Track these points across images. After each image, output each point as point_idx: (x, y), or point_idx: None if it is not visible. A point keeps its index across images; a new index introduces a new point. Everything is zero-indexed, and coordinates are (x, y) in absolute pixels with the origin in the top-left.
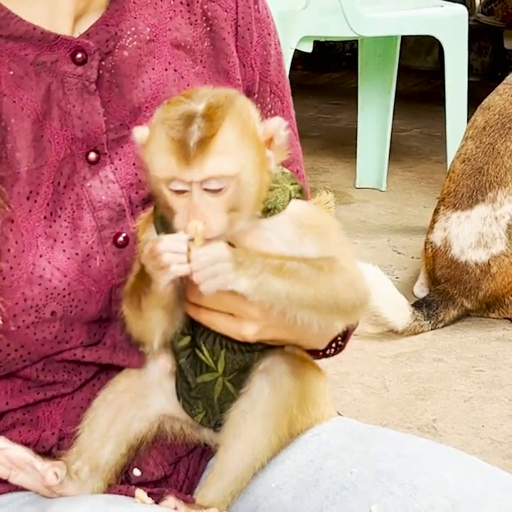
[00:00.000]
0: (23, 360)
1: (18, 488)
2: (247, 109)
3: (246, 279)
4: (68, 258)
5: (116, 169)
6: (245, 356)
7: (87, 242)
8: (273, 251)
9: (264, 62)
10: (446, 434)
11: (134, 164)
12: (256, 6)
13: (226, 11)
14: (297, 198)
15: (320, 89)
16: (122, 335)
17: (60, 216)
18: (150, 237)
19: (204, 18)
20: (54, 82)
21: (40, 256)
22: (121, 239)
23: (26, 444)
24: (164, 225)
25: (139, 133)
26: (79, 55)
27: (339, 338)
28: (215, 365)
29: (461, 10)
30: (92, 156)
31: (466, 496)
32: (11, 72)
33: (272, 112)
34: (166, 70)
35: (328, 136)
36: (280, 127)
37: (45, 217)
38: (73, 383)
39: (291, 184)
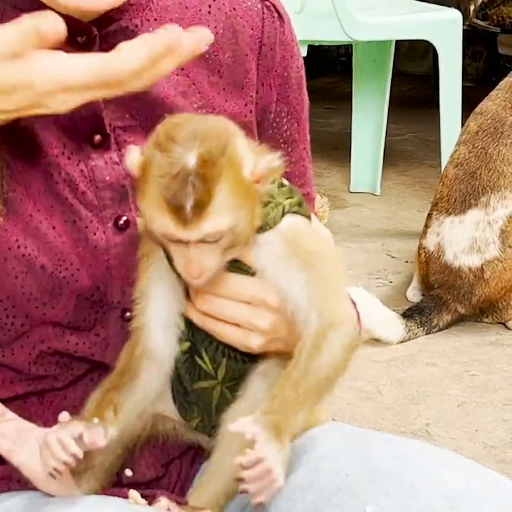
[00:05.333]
0: (6, 316)
1: (10, 489)
2: (236, 151)
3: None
4: (66, 221)
5: (122, 155)
6: (246, 365)
7: (86, 216)
8: (257, 267)
9: (283, 83)
10: (440, 439)
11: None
12: (282, 29)
13: (252, 29)
14: (294, 211)
15: (314, 93)
16: (116, 327)
17: (62, 188)
18: (158, 258)
19: (231, 31)
20: None
21: (38, 210)
22: (122, 222)
23: None
24: None
25: (131, 156)
26: (80, 38)
27: None
28: (215, 373)
29: (456, 15)
30: (98, 138)
31: (463, 496)
32: None
33: (288, 132)
34: (178, 74)
35: (323, 141)
36: (271, 163)
37: (45, 189)
38: (64, 378)
39: (287, 198)
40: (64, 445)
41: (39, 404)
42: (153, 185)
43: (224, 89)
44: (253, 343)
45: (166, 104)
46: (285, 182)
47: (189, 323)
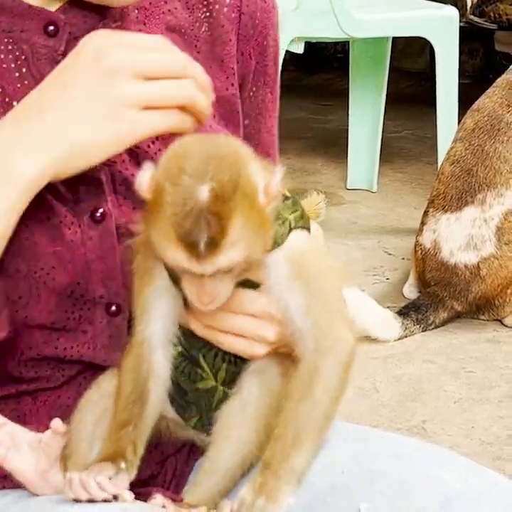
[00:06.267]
0: None
1: (4, 486)
2: (250, 179)
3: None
4: (39, 218)
5: None
6: (245, 366)
7: (60, 211)
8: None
9: (262, 52)
10: (436, 436)
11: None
12: None
13: None
14: (297, 226)
15: (311, 90)
16: (102, 323)
17: None
18: (155, 272)
19: (205, 3)
20: (25, 51)
21: None
22: (98, 214)
23: None
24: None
25: (142, 177)
26: (51, 28)
27: None
28: (214, 377)
29: (452, 12)
30: None
31: (461, 496)
32: None
33: (263, 102)
34: None
35: (319, 137)
36: (280, 181)
37: None
38: (56, 379)
39: (292, 212)
40: (103, 487)
41: (33, 404)
42: (164, 218)
43: (203, 64)
44: (257, 351)
45: None
46: (287, 193)
47: (179, 328)
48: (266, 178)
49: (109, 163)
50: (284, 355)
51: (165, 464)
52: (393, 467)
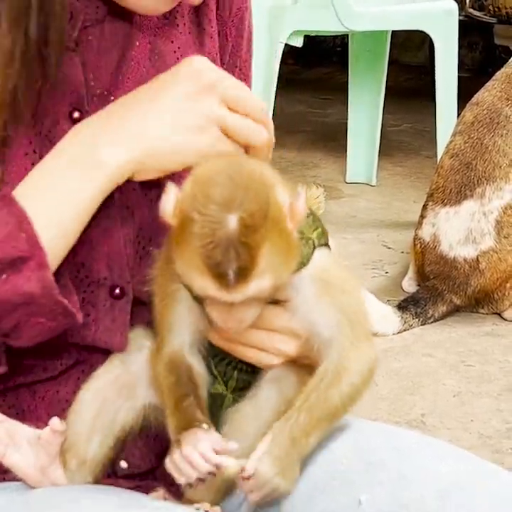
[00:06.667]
0: None
1: (4, 479)
2: (278, 206)
3: (290, 483)
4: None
5: None
6: (256, 375)
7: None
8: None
9: (238, 35)
10: (435, 429)
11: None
12: None
13: None
14: (320, 244)
15: (310, 83)
16: (105, 305)
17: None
18: (177, 289)
19: None
20: None
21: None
22: None
23: None
24: None
25: (166, 200)
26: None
27: None
28: (225, 384)
29: (452, 5)
30: (76, 115)
31: (456, 486)
32: None
33: None
34: (150, 43)
35: (319, 131)
36: (303, 201)
37: (26, 169)
38: (54, 368)
39: (314, 230)
40: (207, 459)
41: (31, 400)
42: (192, 247)
43: (194, 43)
44: (275, 362)
45: (138, 75)
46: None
47: None
48: (290, 198)
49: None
50: (303, 365)
51: (164, 457)
52: (392, 459)
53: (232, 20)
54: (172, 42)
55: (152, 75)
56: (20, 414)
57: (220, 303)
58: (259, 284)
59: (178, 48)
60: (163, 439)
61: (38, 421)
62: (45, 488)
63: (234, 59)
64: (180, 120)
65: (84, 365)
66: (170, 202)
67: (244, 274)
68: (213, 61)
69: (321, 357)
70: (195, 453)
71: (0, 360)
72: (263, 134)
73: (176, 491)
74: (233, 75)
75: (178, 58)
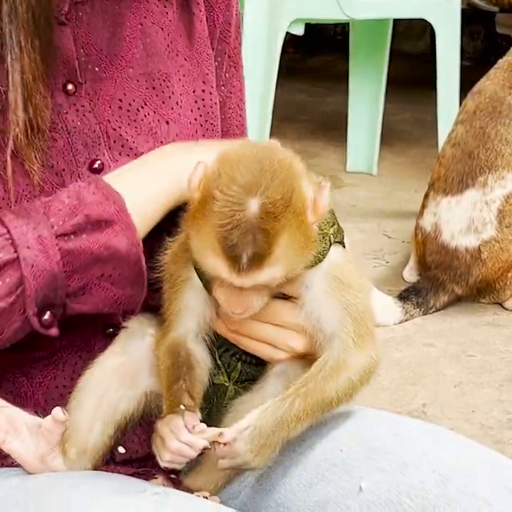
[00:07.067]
0: None
1: (3, 464)
2: (301, 197)
3: (263, 461)
4: (42, 165)
5: (94, 105)
6: (260, 367)
7: (58, 162)
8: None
9: (225, 22)
10: (436, 419)
11: (110, 107)
12: None
13: None
14: (336, 241)
15: (311, 72)
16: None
17: (34, 136)
18: (188, 278)
19: None
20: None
21: (11, 157)
22: (96, 165)
23: None
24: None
25: (195, 174)
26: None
27: None
28: (227, 376)
29: None
30: (70, 87)
31: (457, 471)
32: None
33: (227, 75)
34: (141, 24)
35: (319, 120)
36: (326, 196)
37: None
38: (53, 345)
39: (331, 226)
40: (193, 446)
41: (29, 386)
42: (209, 225)
43: (182, 23)
44: (282, 357)
45: (133, 52)
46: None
47: None
48: (314, 192)
49: (101, 120)
50: (308, 358)
51: None
52: (393, 446)
53: (219, 6)
54: (162, 29)
55: (144, 57)
56: (17, 401)
57: (229, 286)
58: (271, 272)
59: (168, 35)
60: None
61: (36, 407)
62: (44, 473)
63: (222, 45)
64: None
65: (81, 351)
66: (197, 176)
67: (258, 260)
68: (204, 45)
69: (323, 352)
70: (170, 436)
71: (53, 322)
72: None
73: (174, 479)
74: (222, 62)
75: (168, 45)
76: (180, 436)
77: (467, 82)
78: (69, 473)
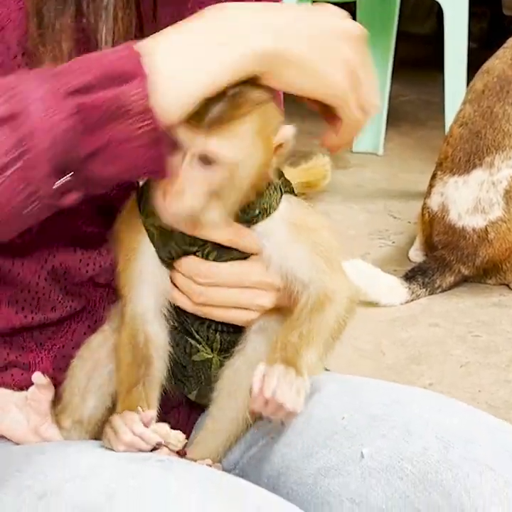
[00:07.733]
0: None
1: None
2: (273, 115)
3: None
4: None
5: None
6: (239, 333)
7: None
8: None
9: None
10: None
11: None
12: None
13: None
14: (286, 190)
15: None
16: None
17: None
18: (140, 244)
19: None
20: None
21: None
22: None
23: (20, 388)
24: (161, 233)
25: None
26: None
27: None
28: (210, 348)
29: None
30: None
31: (459, 437)
32: None
33: None
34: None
35: None
36: (291, 135)
37: None
38: (62, 310)
39: (279, 178)
40: (146, 439)
41: (37, 354)
42: None
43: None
44: (253, 318)
45: None
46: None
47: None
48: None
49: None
50: (285, 309)
51: (166, 418)
52: (395, 412)
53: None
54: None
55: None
56: (26, 365)
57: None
58: (224, 144)
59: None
60: (164, 400)
61: (44, 373)
62: (47, 442)
63: None
64: (321, 46)
65: (89, 321)
66: None
67: (218, 122)
68: None
69: (300, 298)
70: (124, 429)
71: (69, 190)
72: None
73: (179, 450)
74: None
75: None
76: (135, 429)
77: (473, 64)
78: (73, 442)
